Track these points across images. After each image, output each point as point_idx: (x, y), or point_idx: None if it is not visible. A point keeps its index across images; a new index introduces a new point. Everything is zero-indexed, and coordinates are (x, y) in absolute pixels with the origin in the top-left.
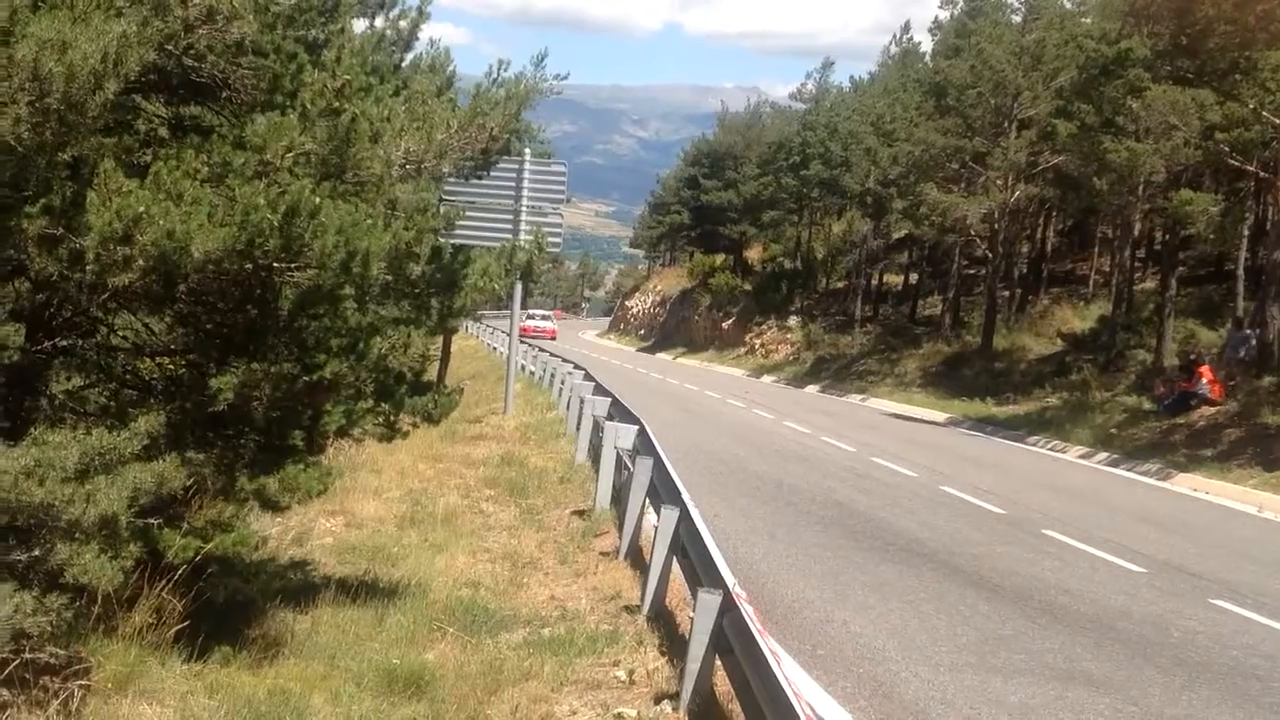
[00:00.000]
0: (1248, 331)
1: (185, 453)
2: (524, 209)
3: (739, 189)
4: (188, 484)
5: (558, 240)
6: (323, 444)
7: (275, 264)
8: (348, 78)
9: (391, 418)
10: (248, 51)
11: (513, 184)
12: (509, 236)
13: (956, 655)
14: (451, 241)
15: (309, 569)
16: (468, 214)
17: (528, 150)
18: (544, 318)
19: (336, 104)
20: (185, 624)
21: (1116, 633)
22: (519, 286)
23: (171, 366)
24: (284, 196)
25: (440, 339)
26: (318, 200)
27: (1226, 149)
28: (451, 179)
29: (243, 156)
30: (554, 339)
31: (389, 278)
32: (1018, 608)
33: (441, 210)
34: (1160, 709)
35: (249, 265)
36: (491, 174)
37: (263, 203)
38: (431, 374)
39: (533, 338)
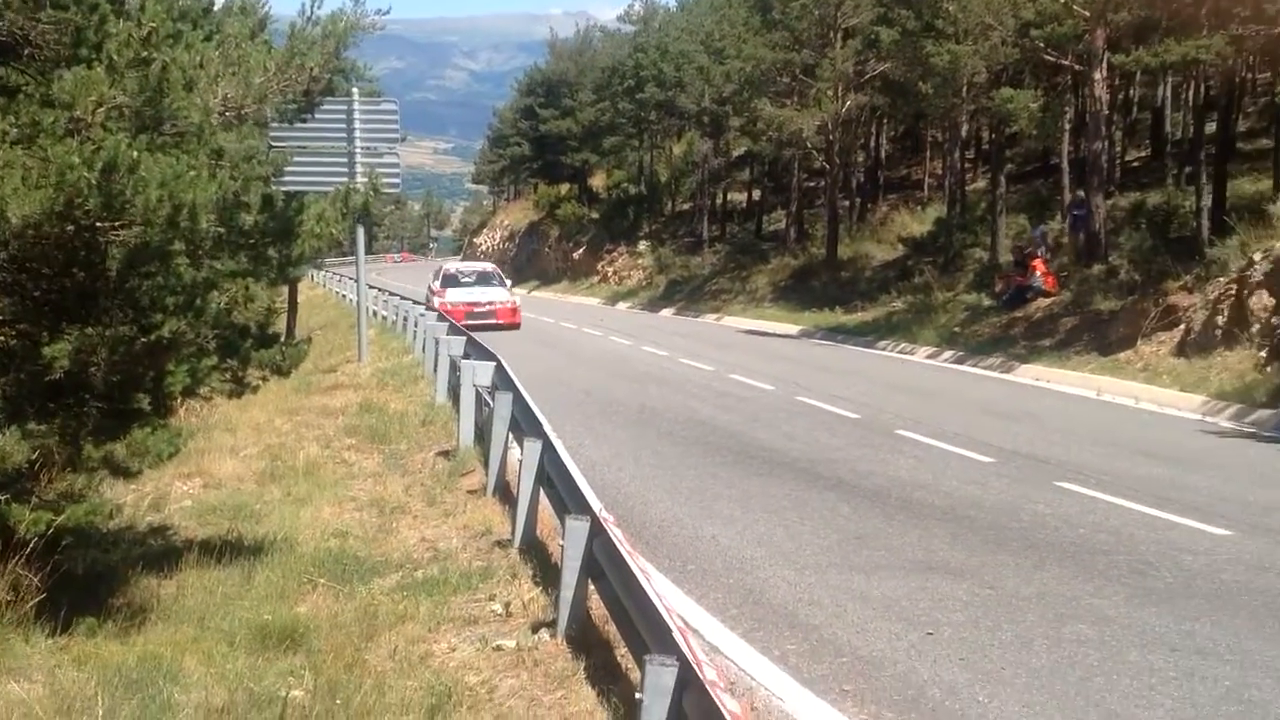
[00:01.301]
0: (1041, 228)
1: (26, 425)
2: (358, 151)
3: (577, 116)
4: (33, 457)
5: (396, 181)
6: (171, 406)
7: (98, 224)
8: (154, 25)
9: (239, 373)
10: (46, 5)
11: (344, 126)
12: (345, 180)
13: (821, 557)
14: (284, 189)
15: (169, 533)
16: (301, 160)
17: (355, 90)
18: (482, 277)
19: (145, 53)
20: (44, 598)
21: (970, 522)
22: (361, 231)
23: (1, 338)
24: (99, 153)
25: (285, 290)
26: (135, 154)
27: (1042, 45)
28: (276, 124)
29: (52, 115)
30: (516, 325)
31: (220, 230)
32: (877, 507)
33: (270, 157)
34: (1015, 589)
35: (70, 227)
36: (320, 116)
37: (78, 161)
38: (280, 326)
39: (473, 325)
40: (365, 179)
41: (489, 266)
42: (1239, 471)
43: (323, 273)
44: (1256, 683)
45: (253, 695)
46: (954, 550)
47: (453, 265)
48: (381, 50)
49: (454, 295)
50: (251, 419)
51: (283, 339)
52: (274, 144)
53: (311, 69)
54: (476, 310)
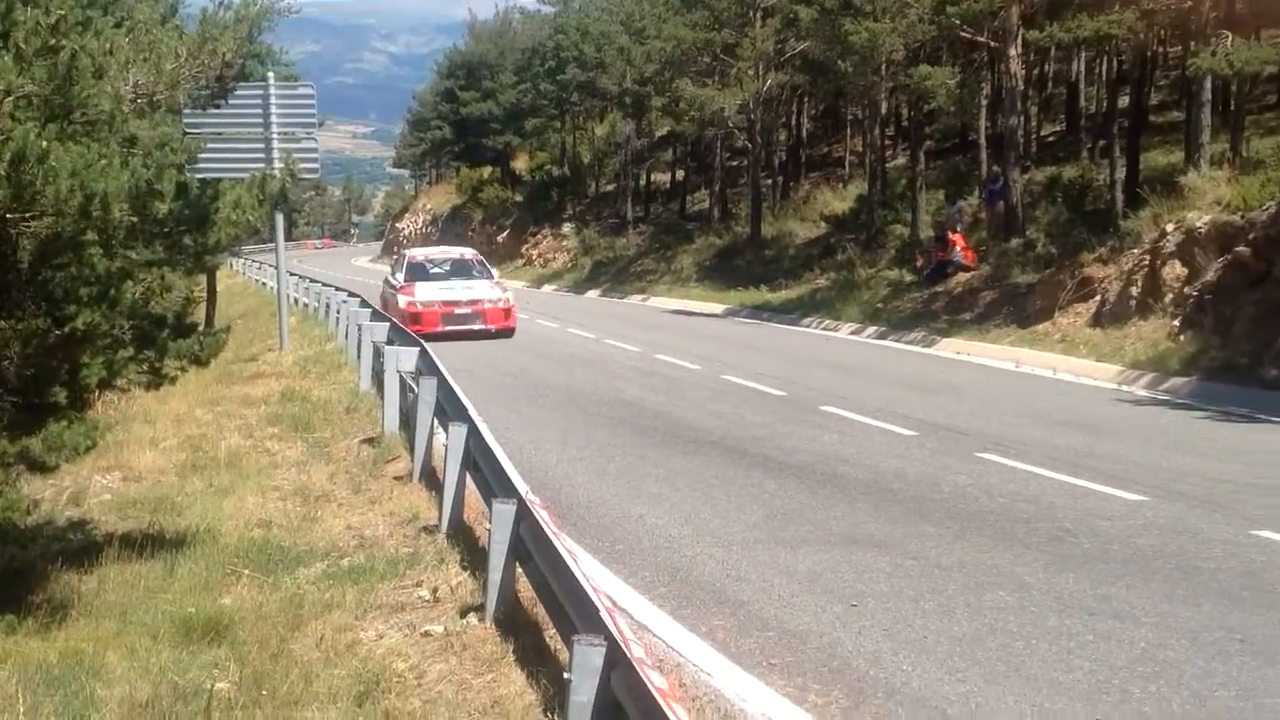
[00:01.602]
0: (959, 204)
1: None
2: (275, 136)
3: (498, 99)
4: None
5: (315, 166)
6: (87, 398)
7: (8, 215)
8: (62, 13)
9: (156, 364)
10: None
11: (259, 111)
12: (262, 166)
13: (747, 533)
14: (199, 176)
15: (89, 528)
16: (217, 146)
17: (271, 74)
18: (459, 266)
19: (53, 41)
20: None
21: (893, 494)
22: (280, 217)
23: None
24: (8, 143)
25: (203, 279)
26: (45, 144)
27: (958, 22)
28: (189, 110)
29: None
30: (510, 330)
31: (134, 219)
32: (802, 482)
33: (184, 143)
34: (937, 559)
35: None
36: (235, 102)
37: None
38: (199, 315)
39: (454, 332)
40: (282, 164)
41: (468, 252)
42: (1153, 438)
43: (242, 260)
44: (1171, 644)
45: (177, 688)
46: (877, 522)
47: (419, 252)
48: (297, 34)
49: (425, 292)
50: (171, 410)
51: (201, 328)
52: (188, 130)
53: (224, 54)
54: (457, 312)
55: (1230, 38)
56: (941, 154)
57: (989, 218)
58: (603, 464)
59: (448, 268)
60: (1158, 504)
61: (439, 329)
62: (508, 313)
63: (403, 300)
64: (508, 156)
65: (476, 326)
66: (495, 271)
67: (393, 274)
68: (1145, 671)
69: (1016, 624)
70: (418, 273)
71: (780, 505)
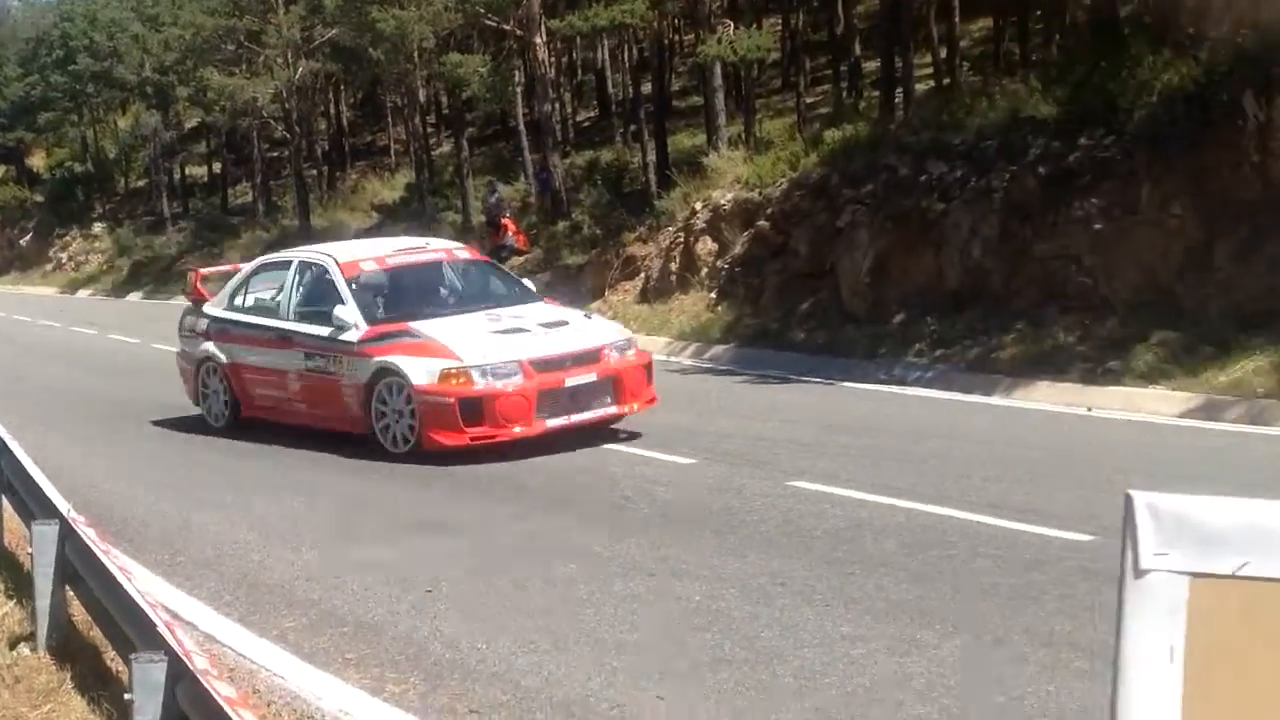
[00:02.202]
0: (499, 190)
1: None
2: None
3: (3, 92)
4: None
5: None
6: None
7: None
8: None
9: None
10: None
11: None
12: None
13: (318, 531)
14: None
15: None
16: None
17: None
18: (432, 271)
19: None
20: None
21: (464, 479)
22: None
23: None
24: None
25: None
26: None
27: (482, 11)
28: None
29: None
30: (639, 404)
31: None
32: (373, 475)
33: None
34: (510, 538)
35: None
36: None
37: None
38: None
39: (544, 435)
40: None
41: (457, 248)
42: (700, 403)
43: None
44: (722, 594)
45: None
46: (451, 508)
47: (344, 251)
48: None
49: (481, 347)
50: None
51: None
52: None
53: None
54: (569, 385)
55: (733, 26)
56: (485, 140)
57: (540, 202)
58: (159, 477)
59: (445, 292)
60: (706, 465)
61: (535, 428)
62: (648, 370)
63: (422, 373)
64: (21, 154)
65: (606, 412)
66: (531, 284)
67: (327, 320)
68: (700, 622)
69: (585, 591)
70: (378, 302)
71: (352, 499)
